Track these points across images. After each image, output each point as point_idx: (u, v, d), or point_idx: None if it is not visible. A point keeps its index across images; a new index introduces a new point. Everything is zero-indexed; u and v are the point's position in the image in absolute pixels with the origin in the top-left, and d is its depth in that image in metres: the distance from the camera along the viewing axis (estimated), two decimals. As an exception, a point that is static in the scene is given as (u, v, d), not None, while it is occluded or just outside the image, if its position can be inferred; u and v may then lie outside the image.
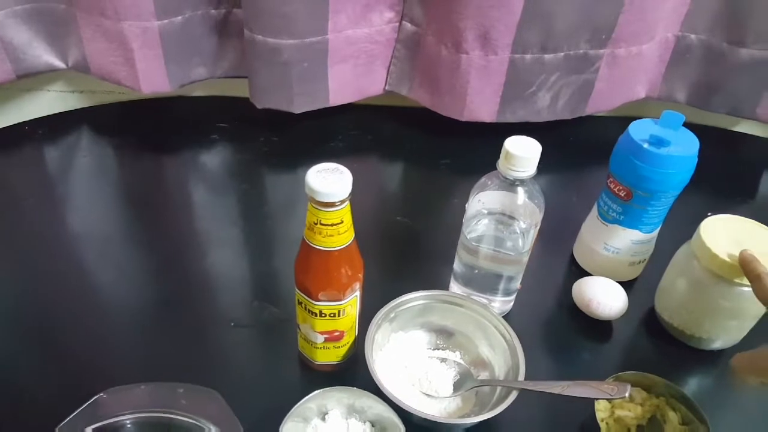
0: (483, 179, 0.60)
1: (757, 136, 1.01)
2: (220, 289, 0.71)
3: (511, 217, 0.60)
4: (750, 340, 0.65)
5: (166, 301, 0.69)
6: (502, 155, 0.56)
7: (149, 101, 0.87)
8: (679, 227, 0.66)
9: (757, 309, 0.62)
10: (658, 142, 0.62)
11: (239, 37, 0.87)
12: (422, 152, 0.94)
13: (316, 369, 0.61)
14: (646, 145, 0.62)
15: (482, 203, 0.60)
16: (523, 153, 0.55)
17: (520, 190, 0.58)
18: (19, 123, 0.93)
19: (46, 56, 0.88)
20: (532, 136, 0.57)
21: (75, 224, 0.78)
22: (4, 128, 0.93)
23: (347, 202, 0.49)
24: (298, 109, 0.89)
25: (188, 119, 0.96)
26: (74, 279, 0.71)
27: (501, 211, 0.60)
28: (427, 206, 0.84)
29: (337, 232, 0.50)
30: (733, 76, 0.90)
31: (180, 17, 0.84)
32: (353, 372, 0.61)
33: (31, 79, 0.90)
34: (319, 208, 0.48)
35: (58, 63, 0.89)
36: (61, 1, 0.84)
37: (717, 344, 0.65)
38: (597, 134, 0.96)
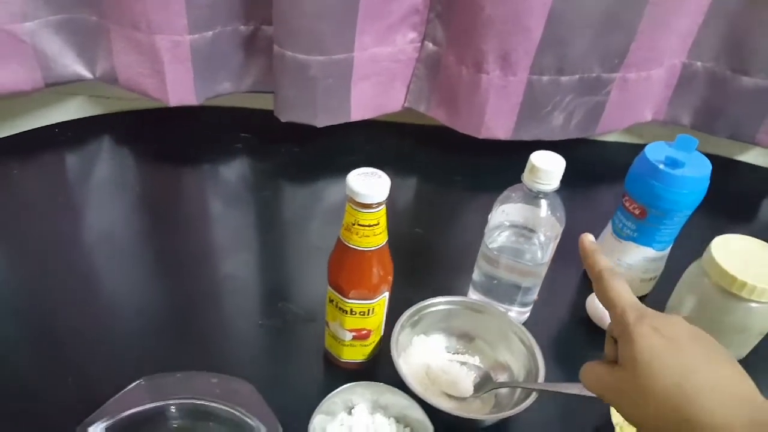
0: (506, 191, 0.63)
1: (759, 166, 1.05)
2: (245, 290, 0.73)
3: (532, 230, 0.63)
4: (755, 355, 0.68)
5: (193, 302, 0.71)
6: (527, 168, 0.59)
7: (176, 110, 0.89)
8: (688, 248, 0.68)
9: (762, 325, 0.65)
10: (673, 163, 0.65)
11: (265, 53, 0.90)
12: (437, 168, 0.97)
13: (342, 366, 0.63)
14: (661, 166, 0.65)
15: (505, 214, 0.63)
16: (548, 167, 0.58)
17: (543, 202, 0.61)
18: (48, 125, 0.96)
19: (74, 66, 0.89)
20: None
21: (103, 225, 0.80)
22: (33, 130, 0.95)
23: (384, 205, 0.52)
24: (321, 123, 0.92)
25: (213, 129, 0.99)
26: (102, 280, 0.73)
27: (523, 224, 0.63)
28: (442, 220, 0.87)
29: (373, 233, 0.53)
30: (735, 103, 0.93)
31: (211, 32, 0.85)
32: (376, 370, 0.63)
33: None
34: (358, 209, 0.51)
35: (86, 73, 0.90)
36: (93, 12, 0.86)
37: (723, 359, 0.67)
38: (606, 156, 1.00)
